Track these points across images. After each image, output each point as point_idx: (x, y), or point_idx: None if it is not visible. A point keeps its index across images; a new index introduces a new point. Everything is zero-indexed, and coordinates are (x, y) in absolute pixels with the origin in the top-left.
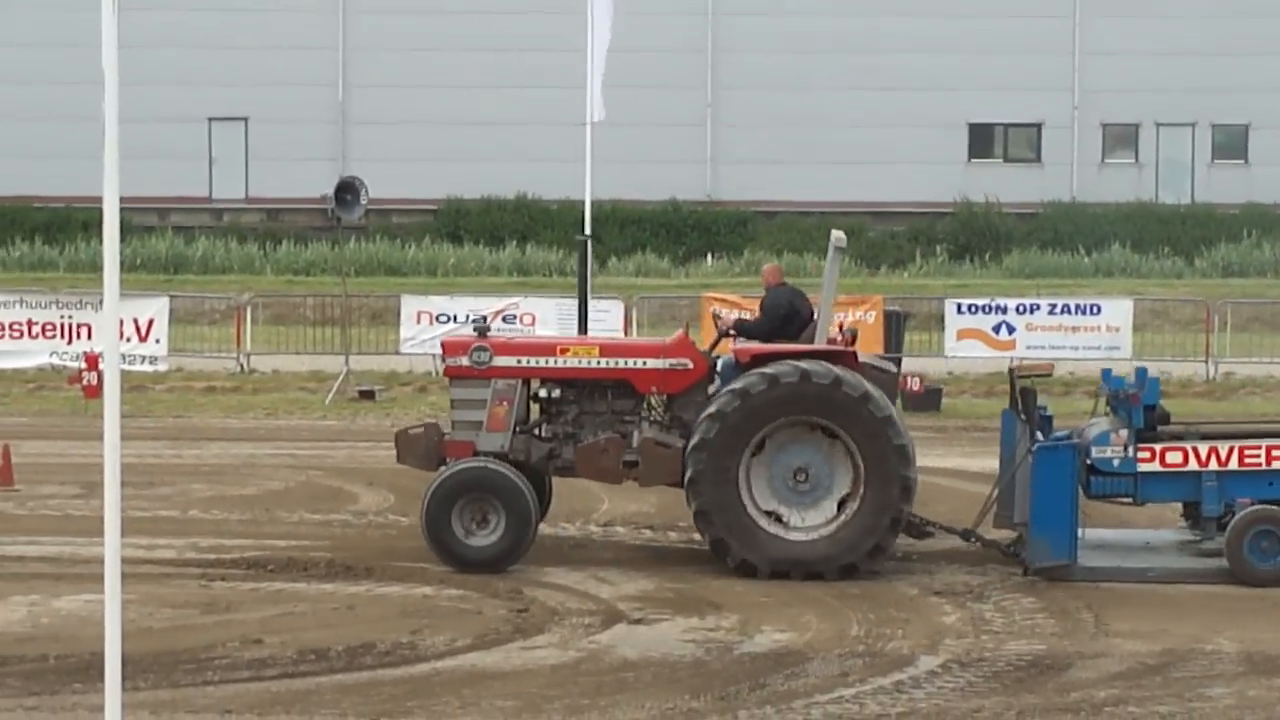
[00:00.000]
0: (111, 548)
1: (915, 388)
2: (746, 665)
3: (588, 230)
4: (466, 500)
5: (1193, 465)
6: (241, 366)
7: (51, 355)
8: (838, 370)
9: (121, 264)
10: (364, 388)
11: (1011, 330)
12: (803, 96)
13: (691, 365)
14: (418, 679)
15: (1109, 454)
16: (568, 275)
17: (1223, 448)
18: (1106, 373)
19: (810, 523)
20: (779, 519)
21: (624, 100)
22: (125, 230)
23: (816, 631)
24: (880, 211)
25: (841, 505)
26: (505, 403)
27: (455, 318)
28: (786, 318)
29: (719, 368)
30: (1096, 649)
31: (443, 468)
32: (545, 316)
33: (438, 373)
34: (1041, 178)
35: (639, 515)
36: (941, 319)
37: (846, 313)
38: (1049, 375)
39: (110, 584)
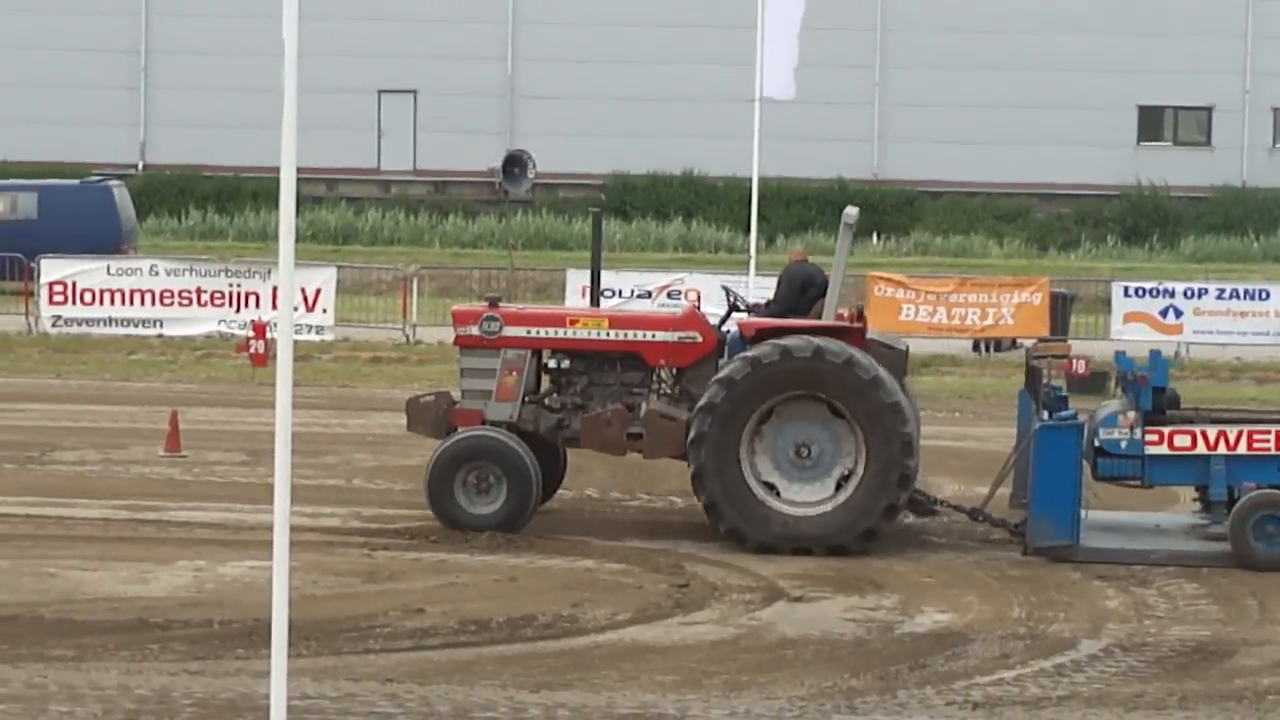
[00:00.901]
0: (281, 515)
1: (1081, 370)
2: (907, 645)
3: (754, 208)
4: (469, 468)
5: (1201, 449)
6: (407, 338)
7: (220, 323)
8: (819, 341)
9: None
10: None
11: (1179, 314)
12: (971, 76)
13: (701, 339)
14: (578, 651)
15: (1116, 436)
16: (735, 252)
17: (1231, 432)
18: (1120, 355)
19: (808, 498)
20: (777, 492)
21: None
22: (296, 200)
23: (978, 613)
24: (1048, 194)
25: (841, 484)
26: (514, 372)
27: (620, 292)
28: (802, 293)
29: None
30: (1261, 636)
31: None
32: (710, 293)
33: None
34: (1211, 161)
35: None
36: (1108, 302)
37: (1012, 294)
38: (1065, 356)
39: (279, 551)
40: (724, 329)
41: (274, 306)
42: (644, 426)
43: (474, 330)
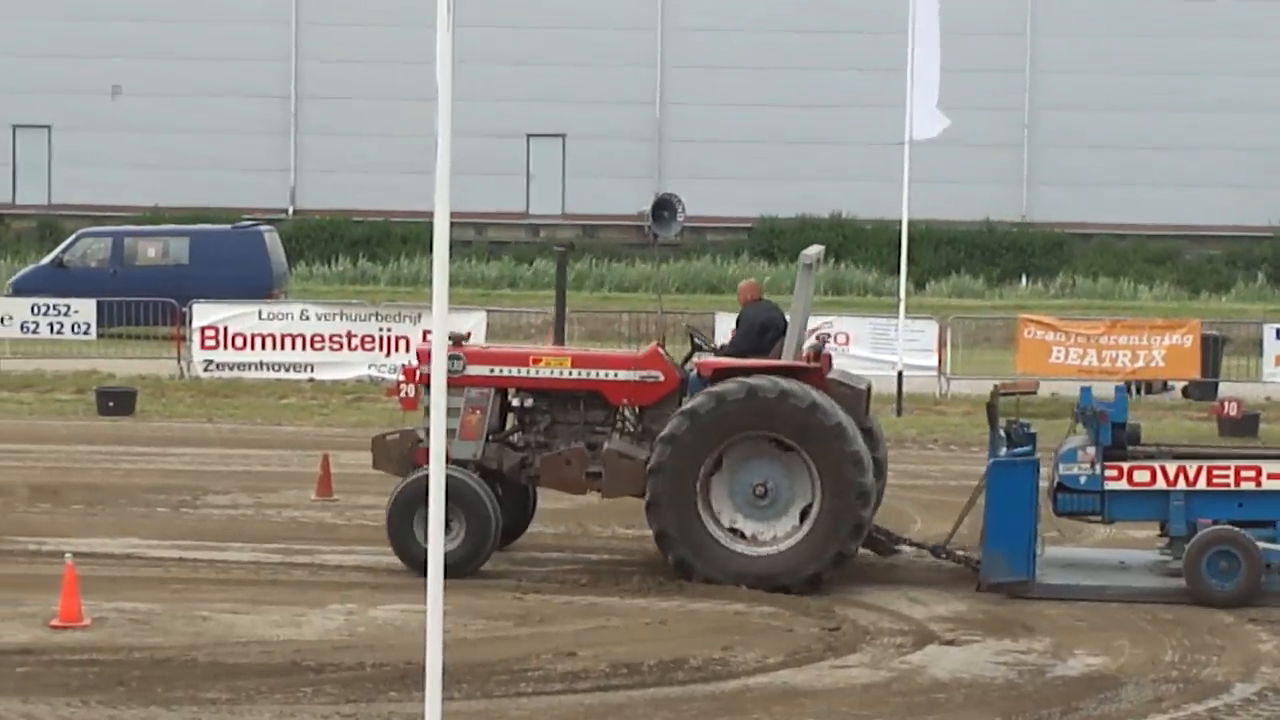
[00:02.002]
0: (435, 559)
1: (1233, 413)
2: (1059, 689)
3: (903, 251)
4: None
5: (1160, 484)
6: None
7: (370, 367)
8: (785, 384)
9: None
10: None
11: None
12: (1120, 117)
13: (662, 378)
14: (729, 695)
15: (1076, 471)
16: (883, 295)
17: (1190, 468)
18: (1085, 390)
19: (773, 536)
20: (742, 535)
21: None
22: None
23: (1130, 656)
24: (1198, 235)
25: (804, 518)
26: (478, 411)
27: None
28: (761, 334)
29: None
30: None
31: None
32: (859, 335)
33: None
34: None
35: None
36: (1260, 344)
37: (1163, 335)
38: (1033, 393)
39: (432, 594)
40: (687, 368)
41: None
42: (603, 465)
43: None
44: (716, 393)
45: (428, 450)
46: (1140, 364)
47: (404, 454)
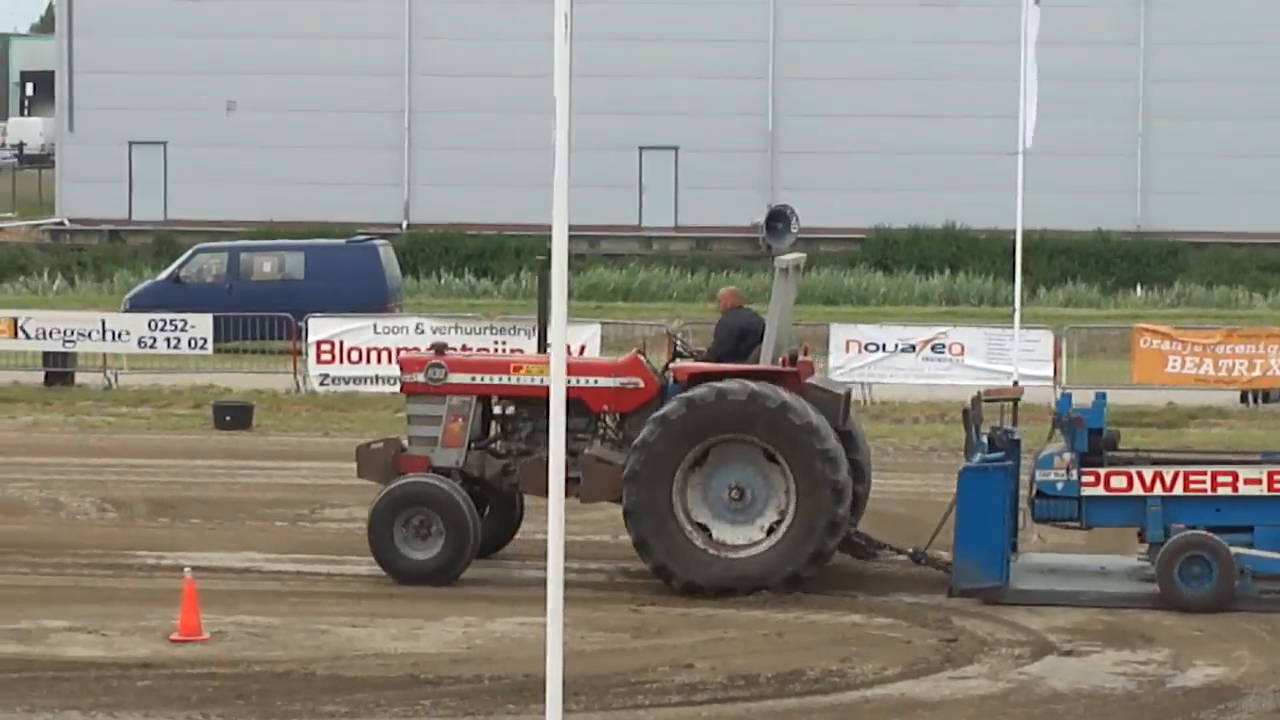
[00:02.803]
0: (555, 572)
1: None
2: (1179, 699)
3: (1018, 260)
4: (407, 514)
5: (1137, 490)
6: None
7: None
8: (754, 386)
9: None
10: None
11: None
12: (1235, 126)
13: (642, 384)
14: (847, 706)
15: (1053, 477)
16: (999, 305)
17: (1167, 473)
18: (1065, 397)
19: (750, 538)
20: (709, 533)
21: (1053, 129)
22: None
23: (1250, 666)
24: None
25: (781, 518)
26: (460, 419)
27: (884, 346)
28: (740, 340)
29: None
30: None
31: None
32: (974, 345)
33: (866, 401)
34: None
35: (1070, 544)
36: None
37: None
38: (1018, 400)
39: (552, 607)
40: (666, 375)
41: None
42: (581, 471)
43: (419, 377)
44: (687, 398)
45: (411, 459)
46: (1257, 373)
47: (387, 462)
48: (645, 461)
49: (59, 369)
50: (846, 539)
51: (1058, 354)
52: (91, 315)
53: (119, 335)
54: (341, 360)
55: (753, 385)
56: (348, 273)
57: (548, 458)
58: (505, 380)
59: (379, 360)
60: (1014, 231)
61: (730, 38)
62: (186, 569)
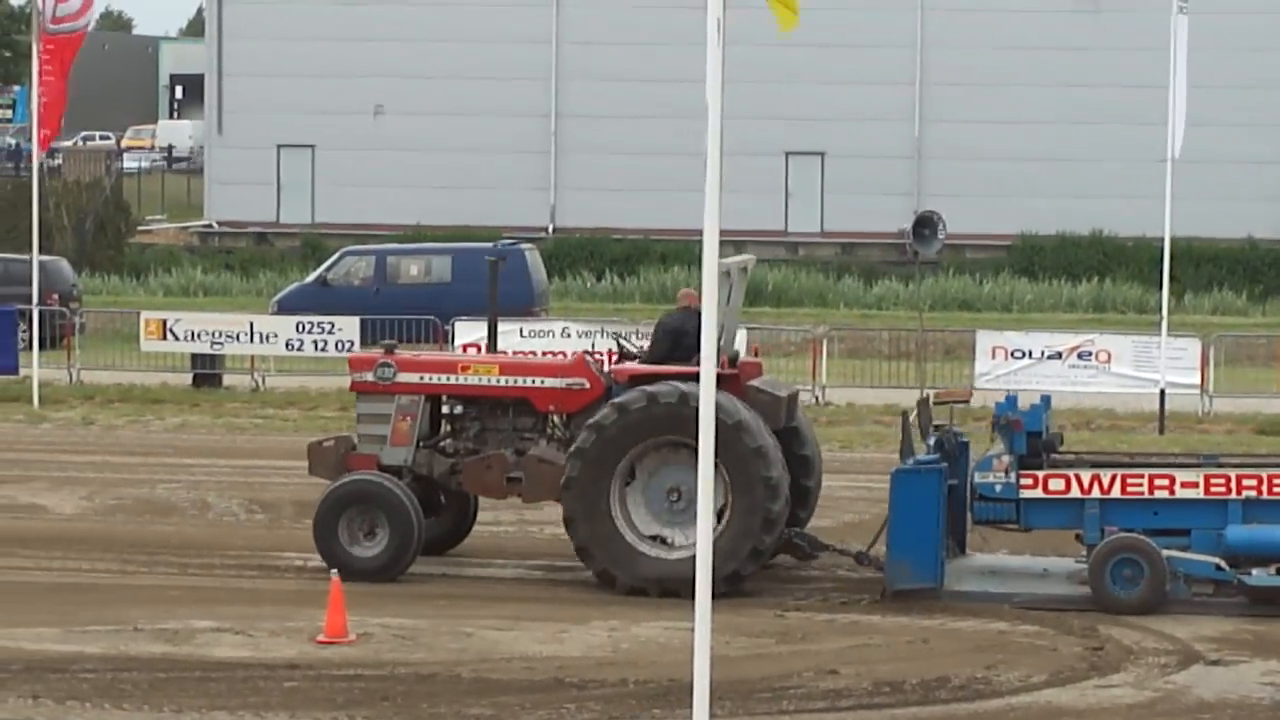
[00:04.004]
0: (703, 576)
1: None
2: None
3: (1165, 268)
4: (353, 512)
5: (1075, 493)
6: (816, 398)
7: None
8: (684, 387)
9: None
10: (938, 422)
11: None
12: None
13: (588, 385)
14: (992, 714)
15: (991, 479)
16: (1147, 313)
17: (1105, 476)
18: (1010, 401)
19: (678, 541)
20: (661, 540)
21: (1202, 136)
22: (701, 261)
23: None
24: None
25: (720, 518)
26: (408, 418)
27: (1030, 353)
28: (675, 342)
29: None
30: None
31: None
32: (1120, 353)
33: None
34: None
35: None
36: None
37: None
38: (966, 402)
39: (700, 611)
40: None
41: None
42: (523, 471)
43: (369, 376)
44: (619, 404)
45: (360, 457)
46: None
47: (337, 460)
48: (582, 468)
49: (207, 371)
50: (788, 540)
51: (1205, 362)
52: (239, 317)
53: (267, 337)
54: None
55: (683, 387)
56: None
57: (489, 455)
58: (453, 380)
59: None
60: (1162, 238)
61: (878, 43)
62: (333, 571)
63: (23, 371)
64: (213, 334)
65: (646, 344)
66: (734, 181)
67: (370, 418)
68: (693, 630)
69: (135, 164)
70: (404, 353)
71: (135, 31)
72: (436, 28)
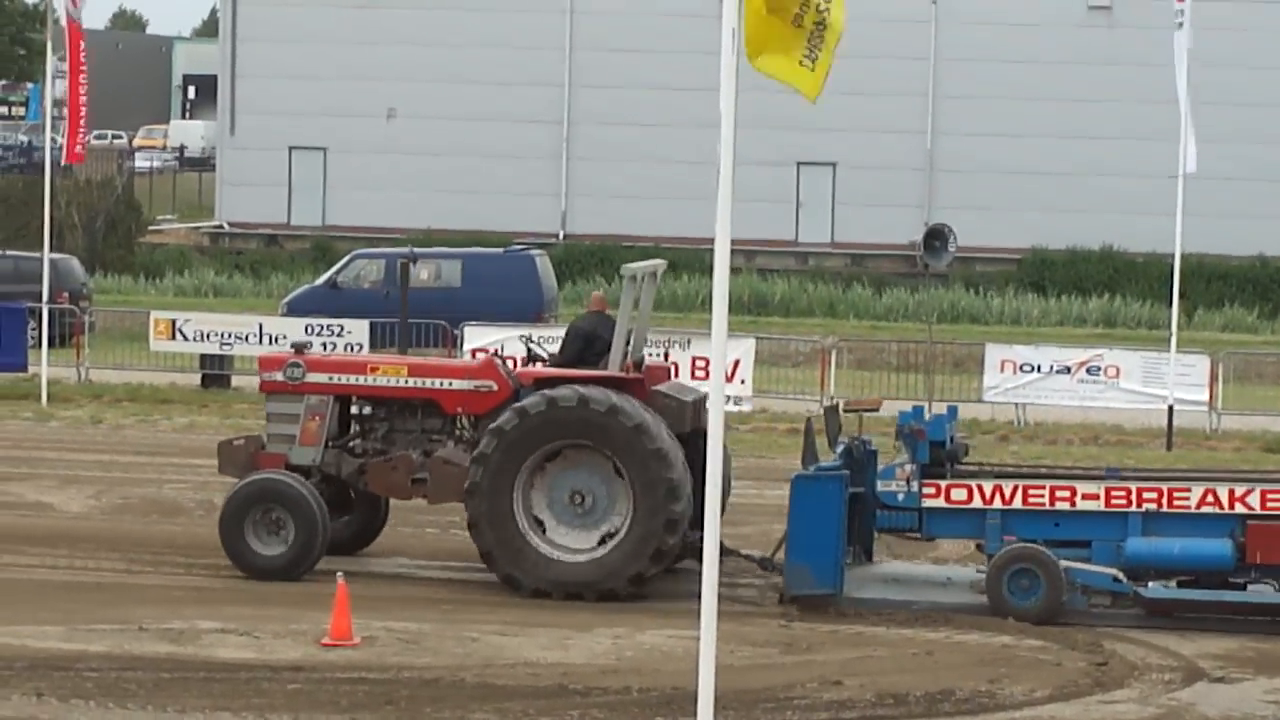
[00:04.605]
0: (709, 584)
1: None
2: None
3: (1176, 284)
4: (257, 510)
5: (977, 503)
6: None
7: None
8: (583, 390)
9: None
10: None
11: None
12: None
13: (496, 387)
14: None
15: (894, 488)
16: (1158, 328)
17: (1007, 487)
18: (917, 411)
19: (594, 541)
20: (553, 539)
21: (1214, 153)
22: (710, 270)
23: None
24: None
25: (614, 531)
26: (317, 418)
27: (1039, 368)
28: (587, 345)
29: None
30: None
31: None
32: (1129, 369)
33: (1021, 422)
34: None
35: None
36: None
37: None
38: (876, 410)
39: (706, 620)
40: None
41: (693, 376)
42: (429, 472)
43: (278, 376)
44: (519, 408)
45: (268, 456)
46: None
47: (246, 459)
48: (485, 473)
49: (216, 371)
50: (692, 545)
51: (1214, 379)
52: (249, 319)
53: (276, 339)
54: None
55: (582, 390)
56: (504, 282)
57: (395, 457)
58: (362, 381)
59: None
60: (1172, 255)
61: (891, 55)
62: (339, 574)
63: (32, 369)
64: (222, 335)
65: (557, 348)
66: (745, 191)
67: (280, 417)
68: (697, 639)
69: (147, 164)
70: (313, 354)
71: (149, 31)
72: (450, 32)
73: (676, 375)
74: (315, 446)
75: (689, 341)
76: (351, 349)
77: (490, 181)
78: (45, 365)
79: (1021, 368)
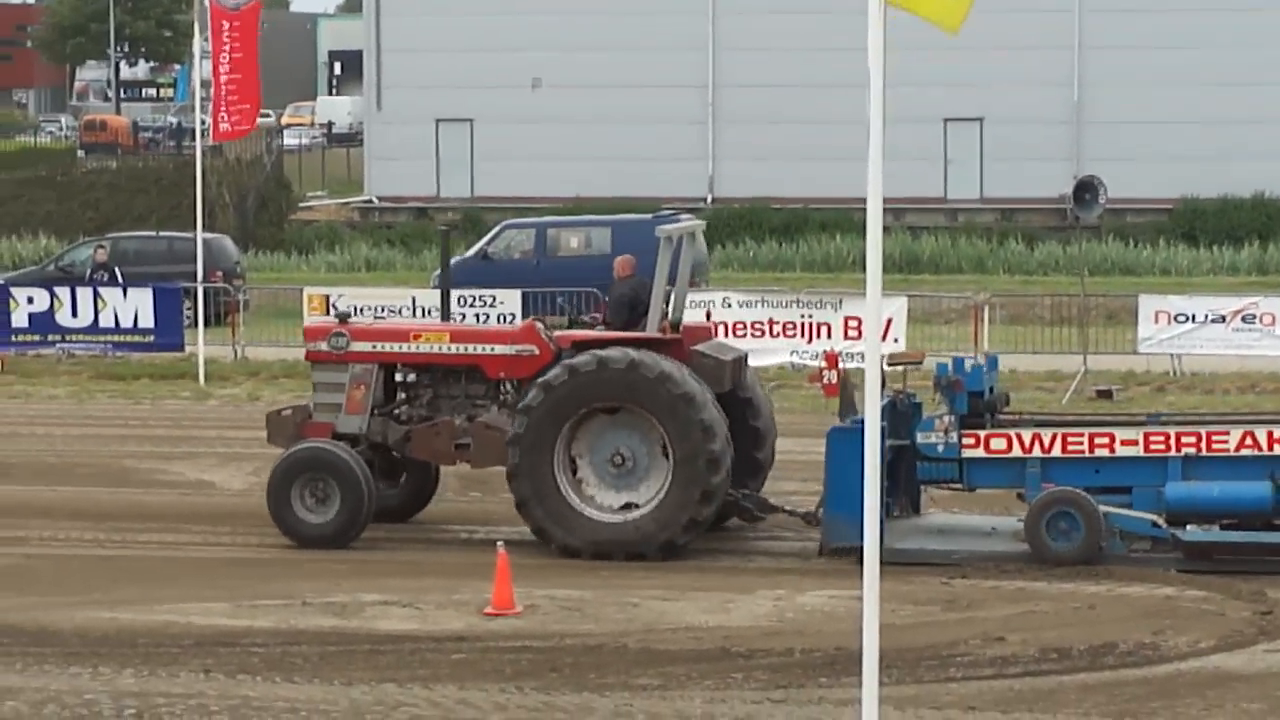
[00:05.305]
0: (870, 545)
1: None
2: None
3: None
4: (305, 479)
5: (1016, 452)
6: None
7: (791, 354)
8: (635, 354)
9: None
10: (1101, 387)
11: None
12: None
13: (538, 352)
14: (1160, 680)
15: (933, 440)
16: None
17: (1045, 435)
18: (957, 362)
19: (631, 503)
20: (602, 503)
21: None
22: (860, 230)
23: None
24: None
25: (653, 494)
26: (362, 386)
27: (1193, 317)
28: (632, 309)
29: None
30: None
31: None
32: None
33: (1176, 372)
34: None
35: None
36: None
37: None
38: (919, 364)
39: (869, 580)
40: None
41: (845, 336)
42: (471, 437)
43: (323, 346)
44: (570, 365)
45: (315, 425)
46: None
47: (294, 429)
48: (529, 425)
49: None
50: (735, 503)
51: None
52: (402, 292)
53: (428, 311)
54: None
55: (634, 354)
56: (655, 248)
57: (439, 422)
58: (405, 348)
59: None
60: None
61: (1035, 8)
62: (500, 543)
63: (188, 349)
64: (375, 309)
65: (596, 315)
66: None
67: (326, 386)
68: (859, 599)
69: (295, 141)
70: (358, 322)
71: (292, 9)
72: (593, 0)
73: (717, 334)
74: (361, 415)
75: (840, 302)
76: (504, 319)
77: (636, 148)
78: (201, 344)
79: (1176, 318)
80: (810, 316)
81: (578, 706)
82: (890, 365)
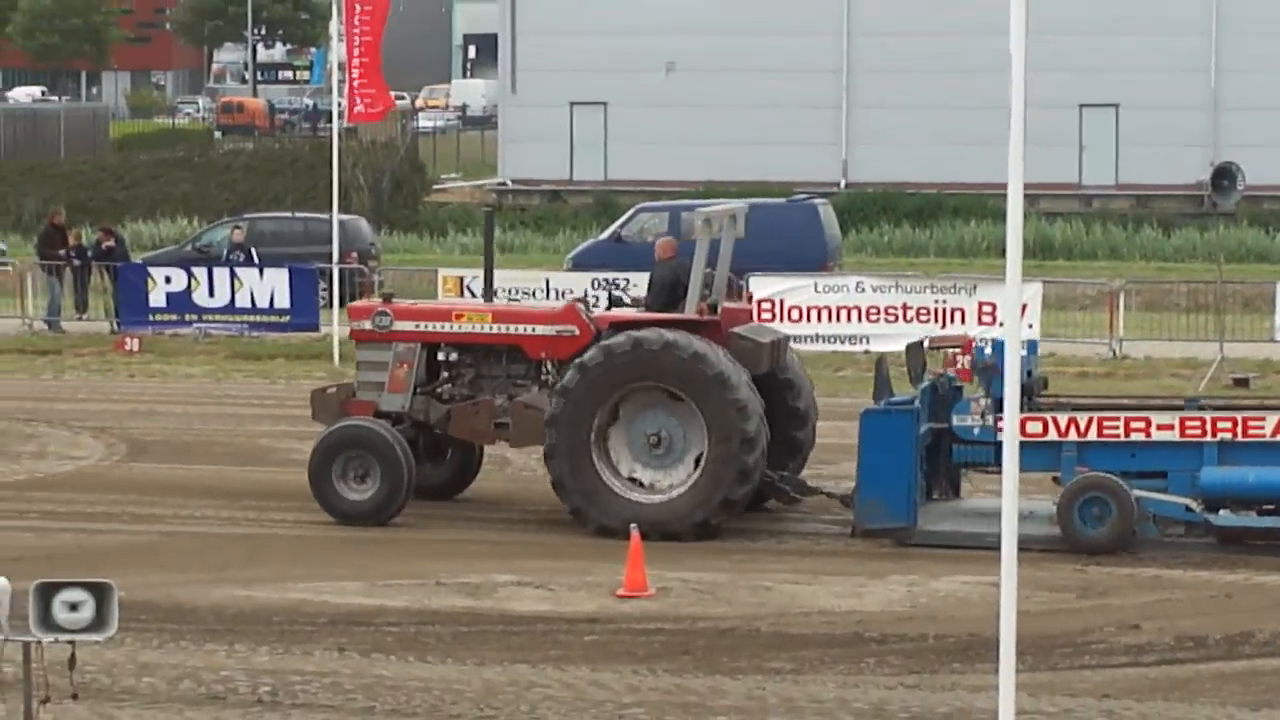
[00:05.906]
0: (1008, 530)
1: None
2: None
3: None
4: (346, 457)
5: (1052, 435)
6: (1114, 352)
7: (925, 339)
8: (669, 335)
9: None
10: (1238, 375)
11: None
12: None
13: (578, 332)
14: None
15: (969, 422)
16: None
17: (1081, 419)
18: (995, 345)
19: (669, 484)
20: (640, 483)
21: None
22: (994, 215)
23: None
24: None
25: (688, 474)
26: (405, 365)
27: None
28: (672, 292)
29: None
30: None
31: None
32: None
33: None
34: None
35: None
36: None
37: None
38: (959, 347)
39: (1006, 567)
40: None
41: (979, 322)
42: (510, 417)
43: (367, 325)
44: (606, 346)
45: (358, 403)
46: None
47: (338, 407)
48: (565, 406)
49: None
50: (772, 484)
51: None
52: (536, 274)
53: (563, 294)
54: (782, 319)
55: (668, 335)
56: (788, 232)
57: (479, 401)
58: (448, 328)
59: (819, 319)
60: None
61: None
62: (633, 525)
63: (323, 329)
64: (509, 291)
65: (635, 296)
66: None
67: (369, 365)
68: (992, 585)
69: (430, 123)
70: (401, 302)
71: None
72: None
73: (758, 317)
74: (403, 393)
75: (974, 287)
76: (637, 304)
77: (769, 132)
78: (336, 325)
79: None
80: (944, 301)
81: (710, 689)
82: (932, 348)
